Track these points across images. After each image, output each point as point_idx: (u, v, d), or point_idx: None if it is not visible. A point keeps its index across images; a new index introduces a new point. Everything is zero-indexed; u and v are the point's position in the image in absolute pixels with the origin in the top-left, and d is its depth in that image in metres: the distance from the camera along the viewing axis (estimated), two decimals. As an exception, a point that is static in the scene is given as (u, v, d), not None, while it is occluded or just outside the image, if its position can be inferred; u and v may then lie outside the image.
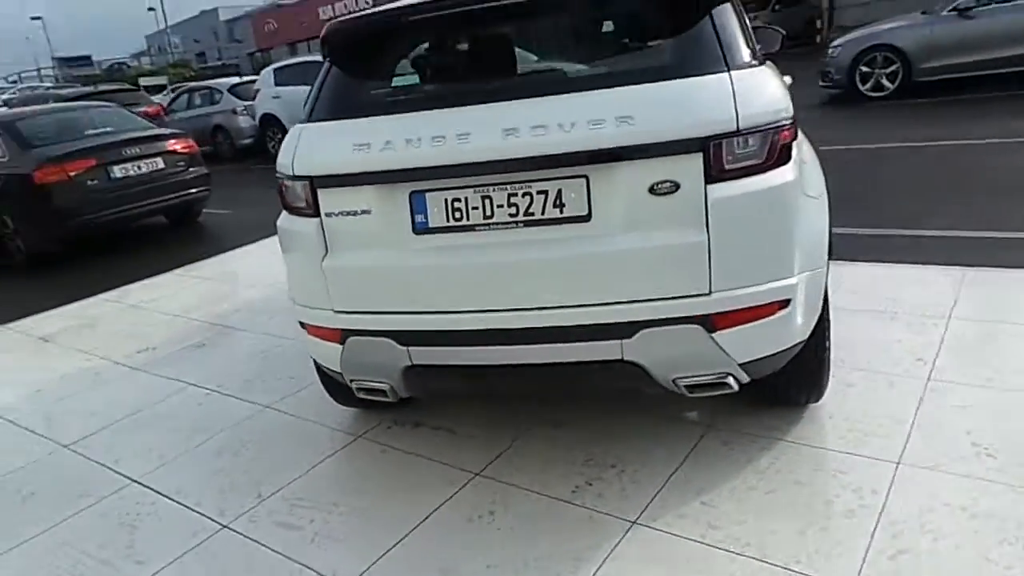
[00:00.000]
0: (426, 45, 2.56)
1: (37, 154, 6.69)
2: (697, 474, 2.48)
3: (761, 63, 2.25)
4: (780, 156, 2.10)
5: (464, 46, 2.53)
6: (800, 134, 2.33)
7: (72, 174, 6.55)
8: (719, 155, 2.04)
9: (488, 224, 2.18)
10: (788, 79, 2.86)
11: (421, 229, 2.24)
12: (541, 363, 2.22)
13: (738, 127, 2.03)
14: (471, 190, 2.17)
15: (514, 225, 2.16)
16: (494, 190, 2.16)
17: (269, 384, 3.60)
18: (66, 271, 6.69)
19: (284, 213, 2.47)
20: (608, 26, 2.54)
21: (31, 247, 6.90)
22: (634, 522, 2.30)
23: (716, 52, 2.13)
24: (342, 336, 2.40)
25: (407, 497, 2.58)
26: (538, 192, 2.14)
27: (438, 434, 2.95)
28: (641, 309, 2.11)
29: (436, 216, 2.22)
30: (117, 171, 6.72)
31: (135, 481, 2.93)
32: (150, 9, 56.90)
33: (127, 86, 13.34)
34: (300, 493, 2.69)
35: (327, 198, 2.31)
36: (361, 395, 2.57)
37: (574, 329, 2.15)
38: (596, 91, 2.11)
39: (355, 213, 2.28)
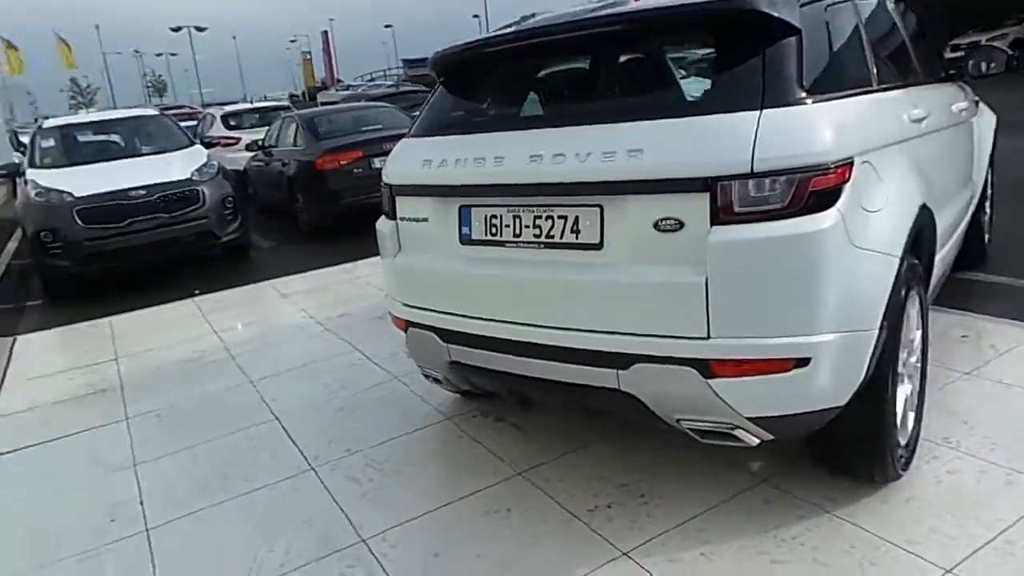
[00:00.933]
0: (490, 75, 2.75)
1: (322, 145, 8.11)
2: (714, 524, 2.37)
3: (844, 95, 2.16)
4: (811, 202, 1.95)
5: (517, 77, 2.69)
6: (889, 171, 2.19)
7: (343, 163, 7.83)
8: (727, 196, 1.96)
9: (516, 241, 2.33)
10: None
11: (466, 240, 2.46)
12: (551, 379, 2.33)
13: (752, 169, 1.94)
14: (505, 209, 2.34)
15: (537, 245, 2.29)
16: (523, 211, 2.31)
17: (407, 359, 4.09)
18: (331, 242, 7.99)
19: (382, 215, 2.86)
20: (657, 60, 2.51)
21: (312, 221, 8.37)
22: (625, 553, 2.29)
23: (753, 89, 2.04)
24: (406, 326, 2.72)
25: (451, 479, 2.84)
26: (559, 217, 2.24)
27: (509, 430, 3.14)
28: (637, 342, 2.11)
29: (478, 229, 2.42)
30: (377, 162, 7.85)
31: (276, 419, 3.59)
32: (474, 16, 62.84)
33: (422, 87, 15.18)
34: (377, 456, 3.09)
35: (402, 204, 2.64)
36: (429, 381, 2.87)
37: (575, 351, 2.22)
38: (618, 124, 2.14)
39: (418, 220, 2.59)
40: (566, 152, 2.16)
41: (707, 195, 1.97)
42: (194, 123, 13.80)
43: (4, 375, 4.84)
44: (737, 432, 2.16)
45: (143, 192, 6.61)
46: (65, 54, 46.15)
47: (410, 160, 2.61)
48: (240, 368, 4.36)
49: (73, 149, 7.53)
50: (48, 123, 8.06)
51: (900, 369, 2.41)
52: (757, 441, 2.20)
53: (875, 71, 2.47)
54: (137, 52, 78.88)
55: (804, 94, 2.05)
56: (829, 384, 2.06)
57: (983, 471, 2.48)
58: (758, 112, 1.99)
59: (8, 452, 3.61)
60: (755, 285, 1.99)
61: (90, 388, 4.38)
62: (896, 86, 2.66)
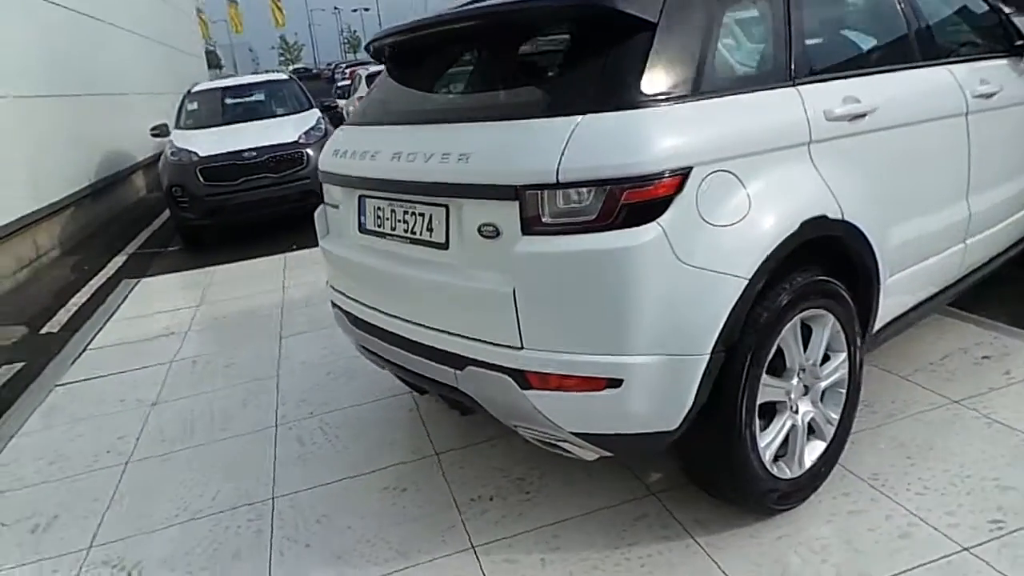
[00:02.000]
0: (393, 67, 2.75)
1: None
2: (573, 532, 2.34)
3: (691, 98, 1.94)
4: (625, 216, 1.83)
5: (406, 71, 2.65)
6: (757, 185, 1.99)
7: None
8: (534, 206, 1.89)
9: (392, 234, 2.38)
10: None
11: (362, 228, 2.55)
12: (417, 371, 2.38)
13: (557, 179, 1.84)
14: (386, 202, 2.40)
15: (405, 240, 2.33)
16: (396, 205, 2.35)
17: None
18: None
19: None
20: (505, 58, 2.36)
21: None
22: (472, 547, 2.34)
23: (584, 91, 1.92)
24: (332, 305, 2.88)
25: (377, 451, 3.00)
26: (419, 214, 2.26)
27: (453, 412, 3.21)
28: (469, 345, 2.10)
29: (369, 219, 2.50)
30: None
31: (277, 376, 3.94)
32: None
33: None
34: (330, 421, 3.31)
35: (326, 190, 2.78)
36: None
37: (426, 347, 2.25)
38: (458, 125, 2.11)
39: (335, 206, 2.71)
40: (417, 152, 2.17)
41: (517, 204, 1.91)
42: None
43: (115, 313, 5.68)
44: (566, 445, 2.11)
45: (254, 153, 7.27)
46: (276, 13, 50.46)
47: (330, 148, 2.73)
48: (281, 324, 4.79)
49: (207, 112, 8.39)
50: (195, 87, 9.03)
51: (782, 398, 2.20)
52: (593, 456, 2.13)
53: (797, 63, 2.19)
54: (336, 9, 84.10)
55: (643, 97, 1.89)
56: (648, 408, 1.94)
57: (888, 517, 2.21)
58: (578, 117, 1.88)
59: (68, 383, 4.29)
60: (563, 300, 1.91)
61: (165, 331, 5.02)
62: (850, 74, 2.35)
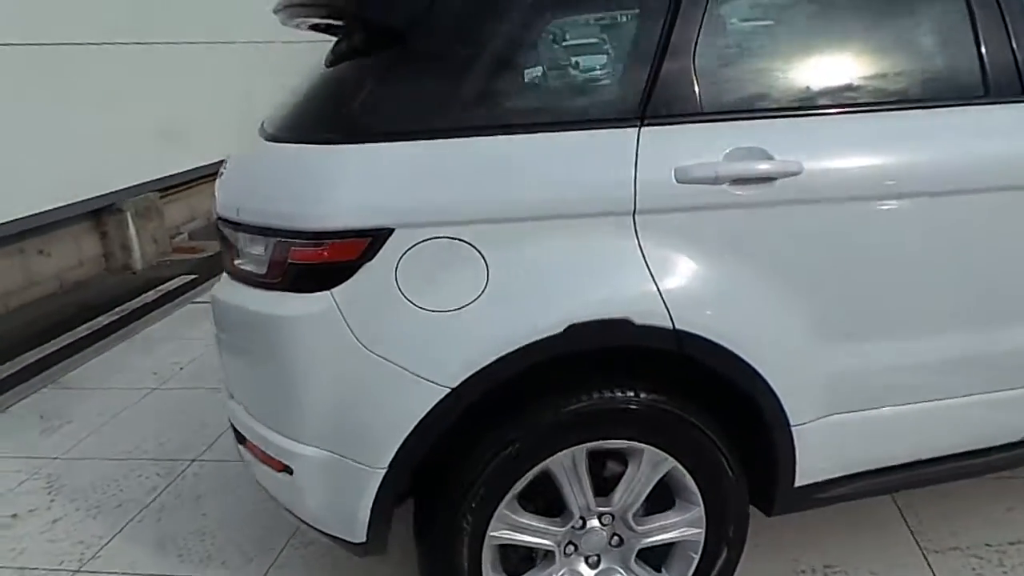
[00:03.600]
0: None
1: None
2: None
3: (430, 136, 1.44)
4: (295, 278, 1.45)
5: None
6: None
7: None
8: (230, 243, 1.58)
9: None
10: None
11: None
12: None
13: (239, 217, 1.52)
14: None
15: None
16: None
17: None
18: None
19: None
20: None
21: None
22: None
23: (300, 114, 1.54)
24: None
25: None
26: None
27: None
28: None
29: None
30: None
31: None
32: None
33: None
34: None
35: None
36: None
37: None
38: None
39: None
40: None
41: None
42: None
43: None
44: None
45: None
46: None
47: None
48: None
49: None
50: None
51: (549, 546, 1.63)
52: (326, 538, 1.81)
53: (662, 92, 1.48)
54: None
55: (362, 130, 1.44)
56: (321, 509, 1.58)
57: None
58: (273, 145, 1.53)
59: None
60: (245, 358, 1.60)
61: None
62: (767, 114, 1.55)
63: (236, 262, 1.58)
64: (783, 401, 1.61)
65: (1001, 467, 1.94)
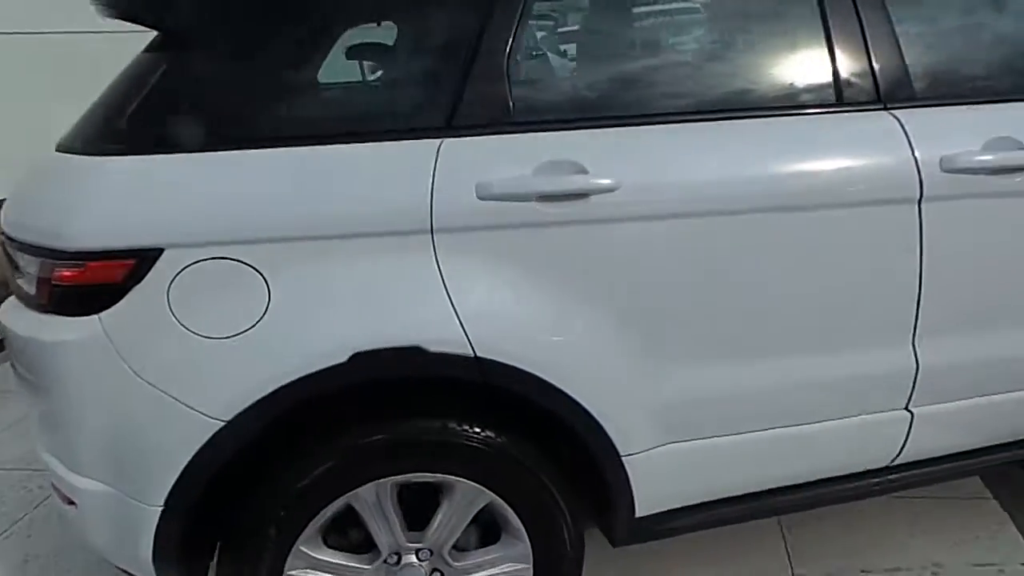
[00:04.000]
0: None
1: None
2: None
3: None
4: (61, 300, 1.34)
5: None
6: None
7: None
8: (13, 262, 1.46)
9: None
10: None
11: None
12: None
13: (10, 233, 1.41)
14: None
15: None
16: None
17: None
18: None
19: None
20: None
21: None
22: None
23: (92, 120, 1.42)
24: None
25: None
26: None
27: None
28: None
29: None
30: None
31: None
32: None
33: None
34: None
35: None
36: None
37: None
38: None
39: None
40: None
41: None
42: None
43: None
44: None
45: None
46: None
47: None
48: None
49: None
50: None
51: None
52: None
53: (475, 100, 1.36)
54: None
55: (134, 143, 1.32)
56: (108, 545, 1.47)
57: None
58: (53, 155, 1.40)
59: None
60: (24, 382, 1.49)
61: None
62: (582, 124, 1.43)
63: (17, 281, 1.47)
64: (609, 431, 1.50)
65: (868, 495, 1.83)
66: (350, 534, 1.54)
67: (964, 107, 1.58)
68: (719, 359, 1.54)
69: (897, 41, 1.54)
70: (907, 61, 1.55)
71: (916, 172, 1.50)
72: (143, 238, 1.30)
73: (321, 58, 1.37)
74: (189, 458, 1.34)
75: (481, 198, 1.35)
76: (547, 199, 1.37)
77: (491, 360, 1.38)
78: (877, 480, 1.77)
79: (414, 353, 1.35)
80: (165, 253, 1.30)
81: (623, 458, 1.53)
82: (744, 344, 1.54)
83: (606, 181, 1.38)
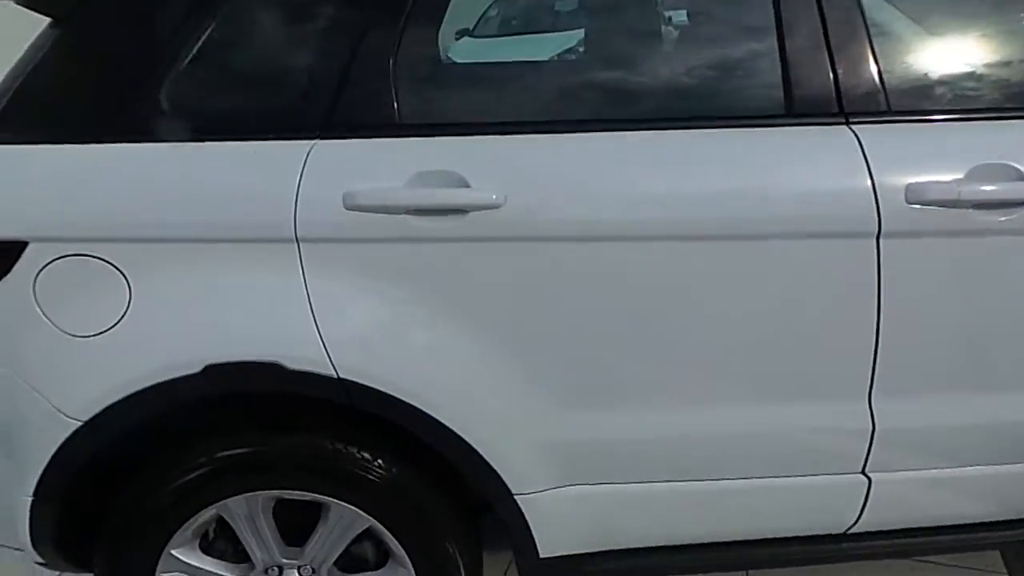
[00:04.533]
0: None
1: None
2: None
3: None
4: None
5: None
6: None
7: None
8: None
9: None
10: None
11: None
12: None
13: None
14: None
15: None
16: None
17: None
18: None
19: None
20: None
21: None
22: None
23: None
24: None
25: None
26: None
27: None
28: None
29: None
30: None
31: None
32: None
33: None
34: None
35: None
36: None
37: None
38: None
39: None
40: None
41: None
42: None
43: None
44: None
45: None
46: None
47: None
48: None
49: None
50: None
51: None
52: None
53: (357, 100, 1.26)
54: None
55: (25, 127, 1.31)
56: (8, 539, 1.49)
57: None
58: None
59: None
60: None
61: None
62: (470, 129, 1.30)
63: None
64: (497, 468, 1.37)
65: (822, 561, 1.60)
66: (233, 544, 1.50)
67: (949, 124, 1.31)
68: (628, 401, 1.37)
69: (868, 35, 1.29)
70: (880, 62, 1.29)
71: (873, 202, 1.25)
72: (5, 230, 1.29)
73: (189, 50, 1.30)
74: (51, 454, 1.33)
75: (348, 208, 1.25)
76: (421, 213, 1.25)
77: (356, 383, 1.29)
78: (832, 547, 1.54)
79: (272, 370, 1.28)
80: (29, 247, 1.28)
81: (516, 497, 1.40)
82: (656, 387, 1.37)
83: (489, 196, 1.24)
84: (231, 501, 1.39)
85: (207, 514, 1.41)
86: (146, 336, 1.29)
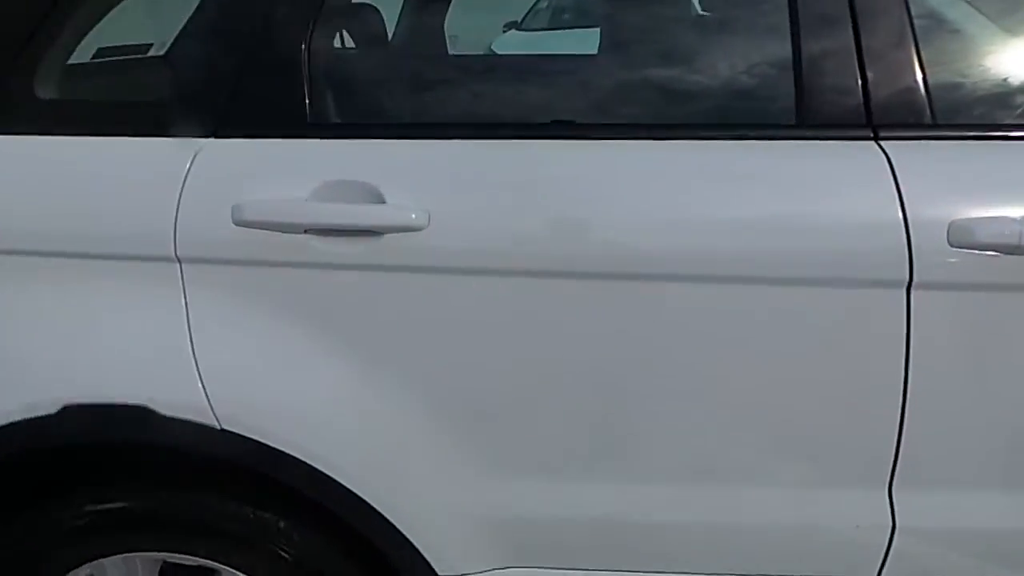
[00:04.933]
0: None
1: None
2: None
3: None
4: None
5: None
6: None
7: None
8: None
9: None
10: None
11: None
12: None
13: None
14: None
15: None
16: None
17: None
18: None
19: None
20: None
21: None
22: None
23: None
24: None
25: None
26: None
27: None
28: None
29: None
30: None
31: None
32: None
33: None
34: None
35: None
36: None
37: None
38: None
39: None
40: None
41: None
42: None
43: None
44: None
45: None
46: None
47: None
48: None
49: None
50: None
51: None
52: None
53: (256, 96, 1.02)
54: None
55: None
56: None
57: None
58: None
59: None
60: None
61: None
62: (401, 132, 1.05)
63: None
64: (418, 545, 1.12)
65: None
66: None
67: (1014, 143, 1.00)
68: (579, 474, 1.11)
69: (912, 30, 0.99)
70: (926, 64, 0.99)
71: (905, 242, 0.96)
72: None
73: (64, 27, 1.08)
74: None
75: (238, 224, 1.02)
76: (324, 233, 1.01)
77: (241, 436, 1.05)
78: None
79: (141, 414, 1.05)
80: None
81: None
82: (608, 458, 1.09)
83: (407, 216, 0.99)
84: (107, 561, 1.18)
85: (81, 573, 1.20)
86: (4, 368, 1.08)
